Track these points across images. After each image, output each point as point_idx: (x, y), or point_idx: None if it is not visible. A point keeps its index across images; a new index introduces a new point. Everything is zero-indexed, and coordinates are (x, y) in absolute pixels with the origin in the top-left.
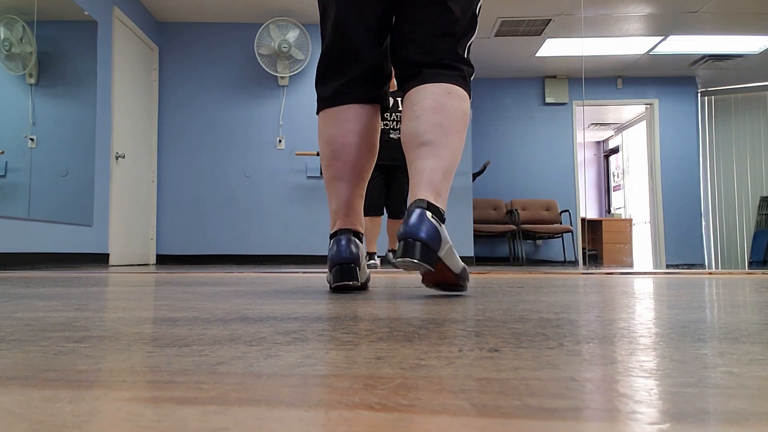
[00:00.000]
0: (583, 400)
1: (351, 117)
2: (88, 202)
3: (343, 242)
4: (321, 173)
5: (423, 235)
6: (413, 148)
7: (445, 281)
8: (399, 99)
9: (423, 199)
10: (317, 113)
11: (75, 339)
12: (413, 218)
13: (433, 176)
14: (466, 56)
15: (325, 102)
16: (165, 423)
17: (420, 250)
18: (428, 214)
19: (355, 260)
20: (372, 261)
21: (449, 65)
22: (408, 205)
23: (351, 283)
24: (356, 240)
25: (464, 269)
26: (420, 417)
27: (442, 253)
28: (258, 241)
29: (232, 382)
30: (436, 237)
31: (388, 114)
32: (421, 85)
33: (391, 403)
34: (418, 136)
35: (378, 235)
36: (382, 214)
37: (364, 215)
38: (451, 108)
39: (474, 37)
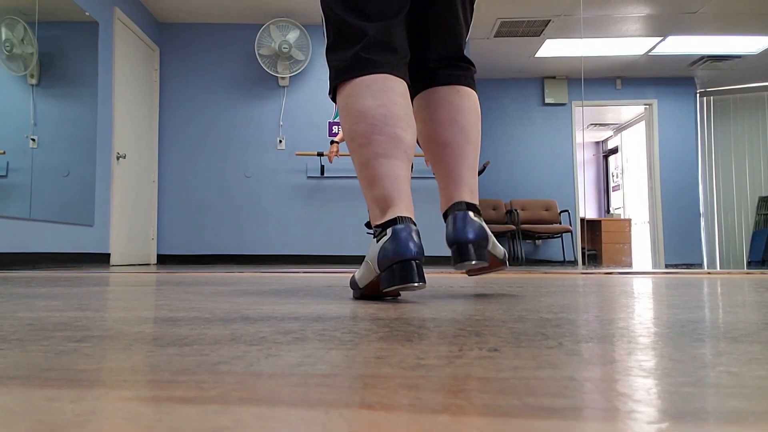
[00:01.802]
0: (583, 400)
1: (389, 87)
2: (89, 202)
3: (409, 233)
4: (322, 173)
5: (472, 236)
6: (434, 150)
7: (493, 269)
8: None
9: (461, 201)
10: (335, 86)
11: (76, 339)
12: (459, 222)
13: (463, 175)
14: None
15: (352, 72)
16: (166, 422)
17: (474, 252)
18: (471, 214)
19: (421, 256)
20: None
21: (460, 65)
22: (446, 207)
23: (417, 284)
24: (418, 232)
25: (505, 253)
26: (420, 416)
27: (490, 247)
28: (258, 241)
29: (232, 381)
30: (484, 234)
31: None
32: (435, 88)
33: (391, 403)
34: (437, 136)
35: None
36: None
37: None
38: (464, 107)
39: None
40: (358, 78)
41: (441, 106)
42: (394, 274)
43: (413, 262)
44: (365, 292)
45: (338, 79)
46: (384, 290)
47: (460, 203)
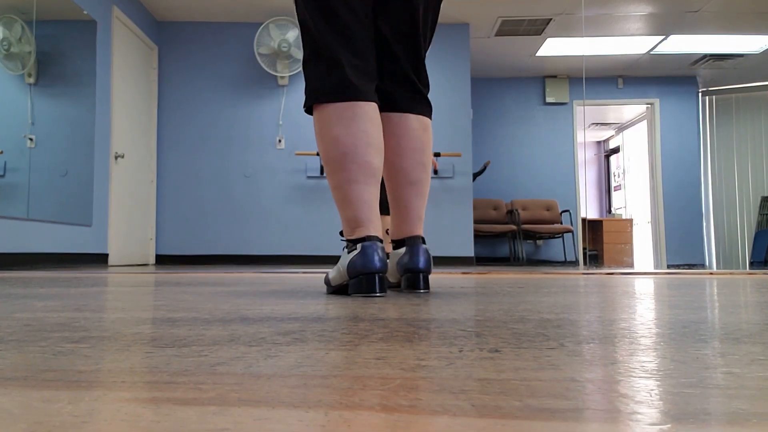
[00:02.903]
0: (584, 401)
1: (360, 114)
2: (87, 202)
3: (375, 250)
4: (322, 173)
5: (424, 266)
6: (401, 184)
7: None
8: None
9: (419, 236)
10: (311, 104)
11: (74, 339)
12: (416, 254)
13: (420, 211)
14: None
15: (327, 96)
16: (164, 424)
17: (423, 281)
18: (425, 248)
19: (385, 270)
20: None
21: (420, 92)
22: (403, 236)
23: (379, 295)
24: (383, 248)
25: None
26: (420, 417)
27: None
28: (258, 241)
29: (231, 382)
30: (431, 264)
31: None
32: (402, 114)
33: (392, 404)
34: (406, 175)
35: None
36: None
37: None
38: (428, 143)
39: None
40: (333, 104)
41: (410, 143)
42: (360, 283)
43: (377, 275)
44: (336, 291)
45: (314, 100)
46: (350, 294)
47: (418, 237)
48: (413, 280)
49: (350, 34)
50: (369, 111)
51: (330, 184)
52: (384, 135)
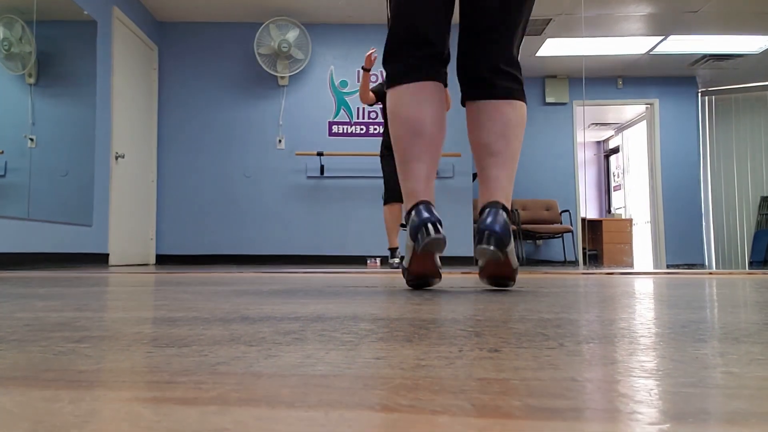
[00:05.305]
0: (584, 401)
1: (428, 94)
2: (87, 202)
3: (425, 208)
4: (322, 173)
5: (498, 228)
6: (483, 156)
7: (503, 275)
8: None
9: (498, 201)
10: (387, 89)
11: (75, 339)
12: (492, 215)
13: (503, 183)
14: (518, 58)
15: (398, 78)
16: (165, 423)
17: (495, 240)
18: (503, 213)
19: (437, 220)
20: (396, 259)
21: (515, 77)
22: (484, 203)
23: (441, 236)
24: (433, 206)
25: (518, 266)
26: (420, 417)
27: (508, 249)
28: (258, 241)
29: (232, 382)
30: (508, 233)
31: None
32: (489, 101)
33: (391, 404)
34: (486, 147)
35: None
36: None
37: (385, 203)
38: (514, 120)
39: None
40: (405, 84)
41: (495, 118)
42: (421, 235)
43: (430, 222)
44: (411, 272)
45: (391, 82)
46: (420, 252)
47: (497, 202)
48: (486, 237)
49: (425, 21)
50: (435, 92)
51: (396, 158)
52: (470, 121)
